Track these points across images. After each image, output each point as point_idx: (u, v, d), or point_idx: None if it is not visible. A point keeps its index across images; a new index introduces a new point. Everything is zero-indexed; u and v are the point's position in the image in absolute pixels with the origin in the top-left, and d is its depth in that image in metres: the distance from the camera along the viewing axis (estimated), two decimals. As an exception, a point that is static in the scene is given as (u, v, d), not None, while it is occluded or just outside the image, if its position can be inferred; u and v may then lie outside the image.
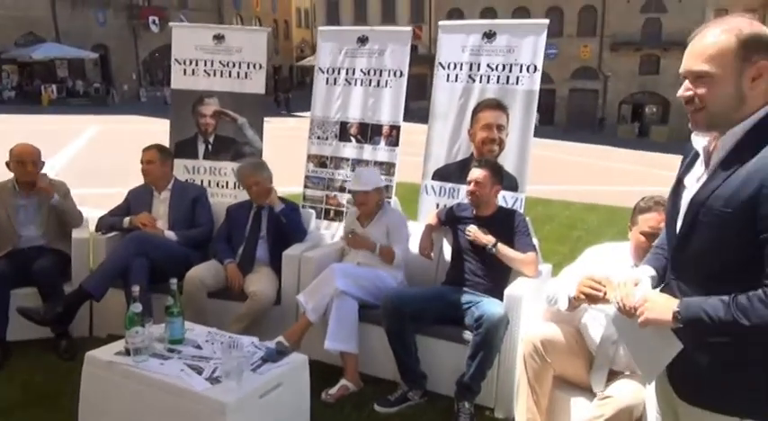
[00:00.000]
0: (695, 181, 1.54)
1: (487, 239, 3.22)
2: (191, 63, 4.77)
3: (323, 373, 3.19)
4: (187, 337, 2.65)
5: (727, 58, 1.40)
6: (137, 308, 2.42)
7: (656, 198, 2.43)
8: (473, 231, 3.27)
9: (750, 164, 1.38)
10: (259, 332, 3.11)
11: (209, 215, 3.98)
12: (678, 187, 1.60)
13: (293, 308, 3.45)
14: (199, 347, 2.60)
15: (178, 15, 32.10)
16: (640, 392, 2.32)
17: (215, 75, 4.76)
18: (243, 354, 2.39)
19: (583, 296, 1.94)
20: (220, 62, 4.75)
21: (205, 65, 4.76)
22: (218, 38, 4.77)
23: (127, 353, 2.46)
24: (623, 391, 2.35)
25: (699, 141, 1.55)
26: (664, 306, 1.48)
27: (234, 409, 2.21)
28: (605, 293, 1.83)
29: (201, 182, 4.73)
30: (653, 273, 1.71)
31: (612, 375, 2.53)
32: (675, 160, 1.67)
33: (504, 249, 3.20)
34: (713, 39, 1.42)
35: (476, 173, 3.35)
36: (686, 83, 1.48)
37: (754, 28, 1.40)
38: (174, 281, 2.57)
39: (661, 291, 1.61)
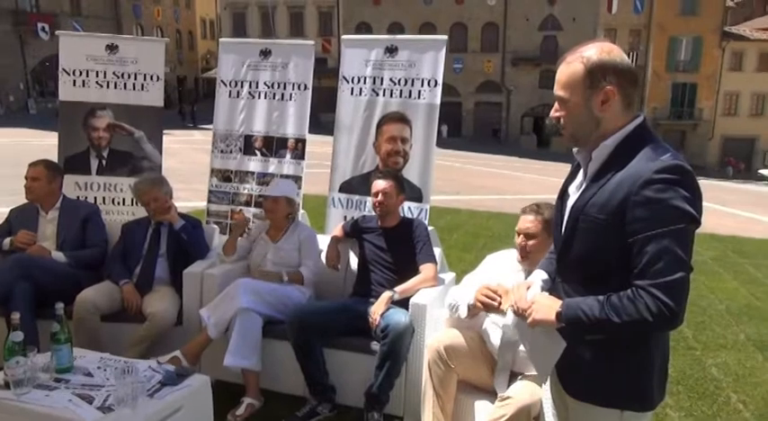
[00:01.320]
0: (576, 189, 1.65)
1: (386, 300, 3.11)
2: (81, 73, 4.51)
3: (227, 394, 3.10)
4: (77, 365, 2.47)
5: (577, 85, 1.53)
6: (17, 336, 2.24)
7: (538, 203, 2.62)
8: (372, 314, 3.09)
9: (620, 174, 1.49)
10: (159, 355, 2.97)
11: (102, 234, 3.76)
12: (563, 195, 1.71)
13: (196, 328, 3.33)
14: (90, 375, 2.43)
15: (71, 23, 30.31)
16: (538, 391, 2.43)
17: (108, 86, 4.53)
18: (138, 379, 2.26)
19: (480, 304, 2.04)
20: (114, 73, 4.53)
21: (97, 76, 4.52)
22: (112, 48, 4.55)
23: (6, 386, 2.26)
24: (522, 392, 2.45)
25: (579, 153, 1.66)
26: (548, 307, 1.57)
27: (128, 439, 2.09)
28: (500, 303, 1.94)
29: (95, 199, 4.48)
30: (545, 276, 1.81)
31: (512, 377, 2.63)
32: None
33: (403, 289, 3.19)
34: (567, 67, 1.55)
35: (381, 184, 3.39)
36: (556, 104, 1.60)
37: (602, 55, 1.51)
38: (60, 305, 2.40)
39: (550, 293, 1.70)
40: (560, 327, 1.56)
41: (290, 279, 3.43)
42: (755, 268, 7.19)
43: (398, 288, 3.19)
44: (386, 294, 3.15)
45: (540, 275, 1.82)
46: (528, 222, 2.58)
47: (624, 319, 1.40)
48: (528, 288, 1.73)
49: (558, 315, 1.53)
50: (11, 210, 3.78)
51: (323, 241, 3.69)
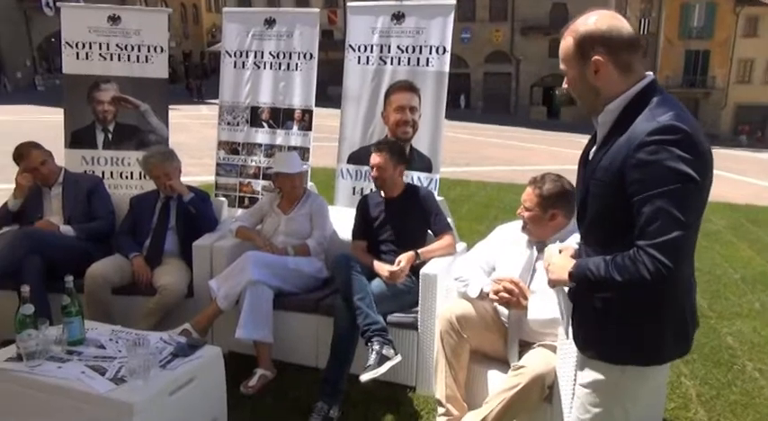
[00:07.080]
0: (593, 154, 1.64)
1: (410, 259, 3.15)
2: (84, 46, 4.44)
3: (240, 365, 3.11)
4: (89, 337, 2.49)
5: (570, 58, 1.58)
6: (27, 309, 2.24)
7: (544, 174, 2.60)
8: (397, 273, 3.11)
9: (622, 137, 1.49)
10: (171, 327, 2.98)
11: (108, 205, 3.75)
12: (585, 160, 1.71)
13: (207, 300, 3.30)
14: (102, 347, 2.44)
15: (75, -3, 30.01)
16: (552, 360, 2.42)
17: (111, 58, 4.46)
18: (150, 351, 2.26)
19: (498, 299, 2.52)
20: (117, 45, 4.46)
21: (100, 48, 4.45)
22: (114, 19, 4.47)
23: (19, 358, 2.28)
24: (536, 361, 2.44)
25: (594, 119, 1.65)
26: (562, 267, 1.62)
27: (141, 409, 2.09)
28: (518, 300, 2.40)
29: (102, 173, 4.44)
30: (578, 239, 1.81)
31: (525, 347, 2.62)
32: (584, 139, 1.78)
33: (425, 251, 3.23)
34: (563, 42, 1.59)
35: (375, 158, 3.34)
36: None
37: (588, 26, 1.53)
38: (69, 278, 2.39)
39: (578, 256, 1.72)
40: (574, 286, 1.61)
41: (296, 252, 3.43)
42: (770, 236, 7.09)
43: (421, 250, 3.22)
44: (409, 253, 3.16)
45: (575, 239, 1.84)
46: (526, 194, 2.60)
47: (625, 278, 1.43)
48: (560, 251, 1.75)
49: (571, 275, 1.57)
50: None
51: (333, 213, 3.66)
